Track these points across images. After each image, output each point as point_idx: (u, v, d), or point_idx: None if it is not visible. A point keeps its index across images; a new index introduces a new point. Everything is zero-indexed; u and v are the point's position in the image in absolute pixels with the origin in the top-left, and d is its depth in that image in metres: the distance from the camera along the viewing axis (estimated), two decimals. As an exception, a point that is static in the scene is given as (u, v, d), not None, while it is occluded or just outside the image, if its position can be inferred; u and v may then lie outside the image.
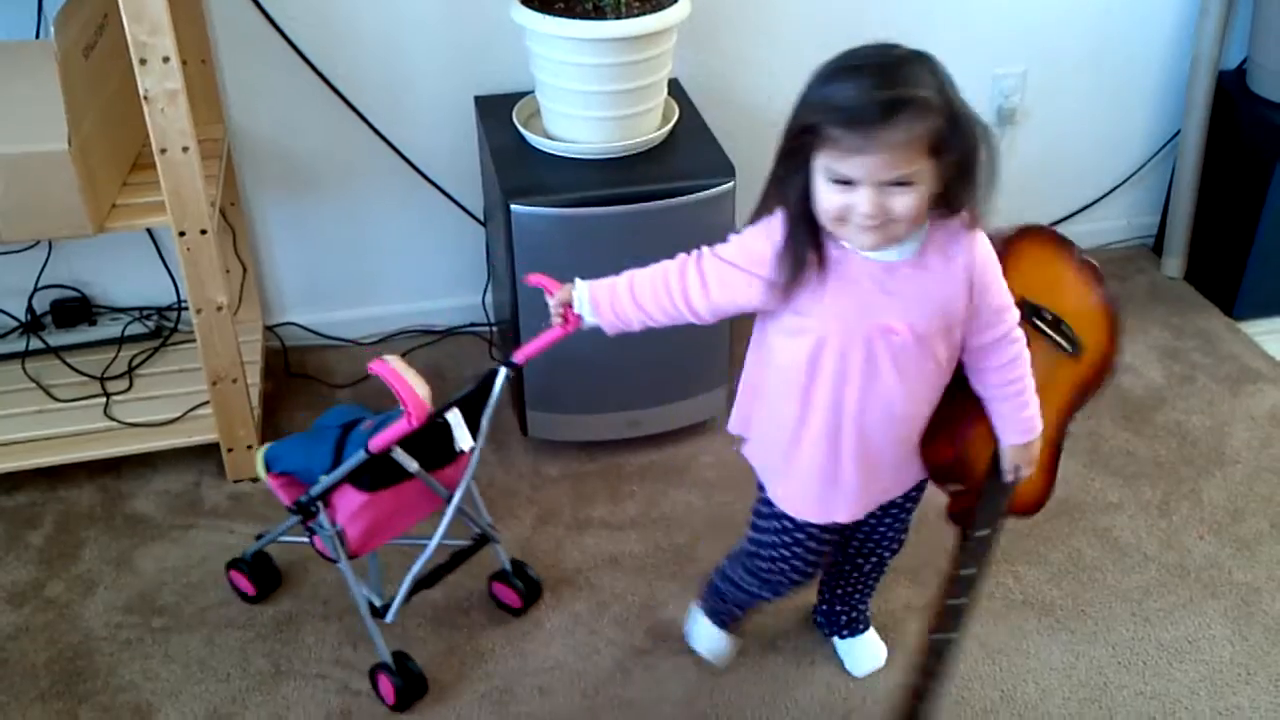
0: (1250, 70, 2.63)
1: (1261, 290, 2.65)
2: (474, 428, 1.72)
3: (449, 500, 1.74)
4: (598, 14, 1.98)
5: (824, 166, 1.28)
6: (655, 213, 2.02)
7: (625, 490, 2.20)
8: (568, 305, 1.55)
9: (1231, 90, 2.65)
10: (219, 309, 2.03)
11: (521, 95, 2.24)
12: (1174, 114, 2.75)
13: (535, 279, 1.61)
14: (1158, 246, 2.87)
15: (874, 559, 1.75)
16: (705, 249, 1.46)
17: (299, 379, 2.51)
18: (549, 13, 1.99)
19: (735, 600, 1.77)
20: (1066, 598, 1.98)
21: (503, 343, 2.49)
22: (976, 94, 2.60)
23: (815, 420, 1.45)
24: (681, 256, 1.47)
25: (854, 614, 1.87)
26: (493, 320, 2.61)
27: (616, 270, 1.55)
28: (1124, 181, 2.83)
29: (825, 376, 1.41)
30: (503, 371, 1.70)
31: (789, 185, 1.33)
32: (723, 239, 1.44)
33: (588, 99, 2.04)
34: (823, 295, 1.36)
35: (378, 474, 1.68)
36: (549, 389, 2.21)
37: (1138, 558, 2.06)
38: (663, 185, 2.03)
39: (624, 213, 2.01)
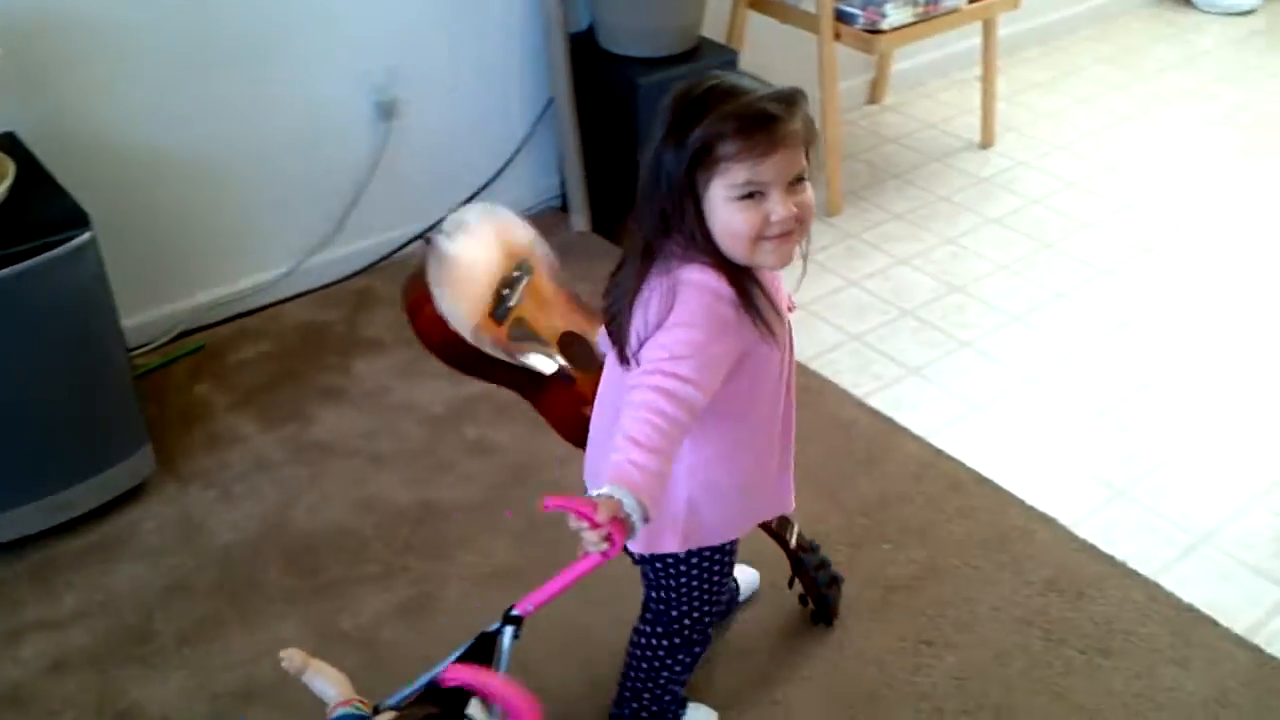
0: (598, 29, 2.83)
1: (657, 227, 2.88)
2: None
3: None
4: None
5: (726, 187, 1.24)
6: (8, 282, 1.83)
7: (61, 582, 2.00)
8: (616, 521, 1.17)
9: (588, 50, 2.84)
10: None
11: None
12: (544, 82, 2.90)
13: (555, 503, 1.19)
14: (565, 205, 3.03)
15: None
16: (662, 366, 1.24)
17: None
18: None
19: (669, 689, 1.66)
20: (530, 560, 2.04)
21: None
22: (350, 94, 2.62)
23: (778, 428, 1.46)
24: (647, 393, 1.23)
25: None
26: None
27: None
28: (518, 151, 2.96)
29: (785, 381, 1.42)
30: (508, 633, 1.35)
31: (692, 233, 1.27)
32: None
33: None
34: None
35: None
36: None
37: (588, 502, 2.17)
38: (8, 250, 1.84)
39: (-30, 290, 1.81)
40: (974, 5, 3.17)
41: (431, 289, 1.56)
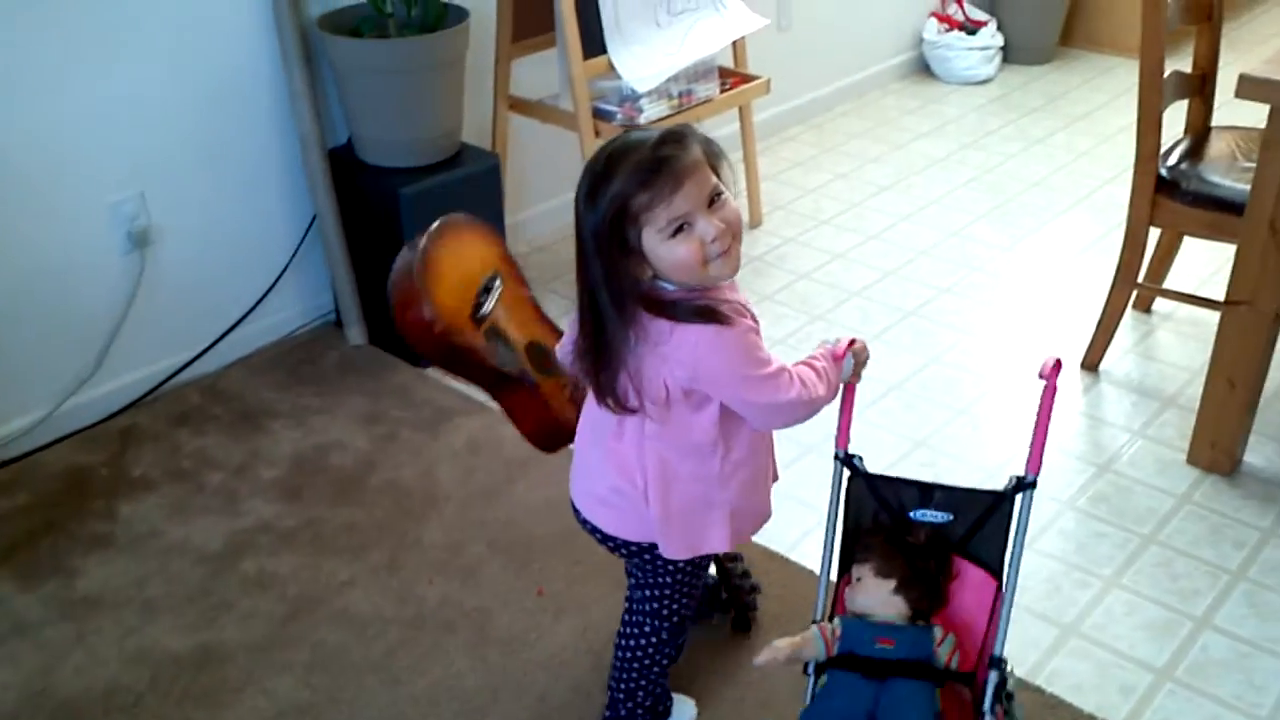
0: (356, 143, 2.81)
1: (435, 334, 2.85)
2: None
3: None
4: None
5: (656, 232, 1.40)
6: None
7: None
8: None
9: (348, 163, 2.82)
10: None
11: None
12: (306, 198, 2.86)
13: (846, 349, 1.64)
14: (339, 320, 2.97)
15: None
16: (787, 365, 1.54)
17: None
18: None
19: (659, 682, 1.80)
20: (319, 694, 1.96)
21: None
22: (99, 226, 2.53)
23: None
24: (799, 396, 1.53)
25: None
26: None
27: None
28: (284, 271, 2.90)
29: None
30: (844, 475, 1.75)
31: (649, 286, 1.46)
32: None
33: None
34: None
35: None
36: None
37: (378, 625, 2.10)
38: None
39: None
40: (727, 94, 3.29)
41: (419, 289, 1.69)
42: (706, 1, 3.21)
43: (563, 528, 2.32)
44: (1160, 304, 3.08)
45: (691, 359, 1.46)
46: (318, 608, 2.14)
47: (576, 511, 1.71)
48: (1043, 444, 1.64)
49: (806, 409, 1.55)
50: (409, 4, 2.69)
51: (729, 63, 3.40)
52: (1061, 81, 4.71)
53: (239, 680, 1.99)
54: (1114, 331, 2.80)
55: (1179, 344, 2.93)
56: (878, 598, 1.65)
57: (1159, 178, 2.58)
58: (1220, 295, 2.37)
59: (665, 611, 1.72)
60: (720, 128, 3.75)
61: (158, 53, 2.52)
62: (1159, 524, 2.33)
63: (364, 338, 2.93)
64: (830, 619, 1.70)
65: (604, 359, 1.47)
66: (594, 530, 1.68)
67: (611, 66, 3.00)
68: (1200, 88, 2.77)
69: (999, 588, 1.66)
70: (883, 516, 1.73)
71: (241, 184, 2.77)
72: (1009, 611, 1.62)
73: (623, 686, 1.79)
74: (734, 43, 3.34)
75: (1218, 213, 2.51)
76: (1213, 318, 2.42)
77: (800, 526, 2.31)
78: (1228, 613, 2.11)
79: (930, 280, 3.25)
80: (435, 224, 1.82)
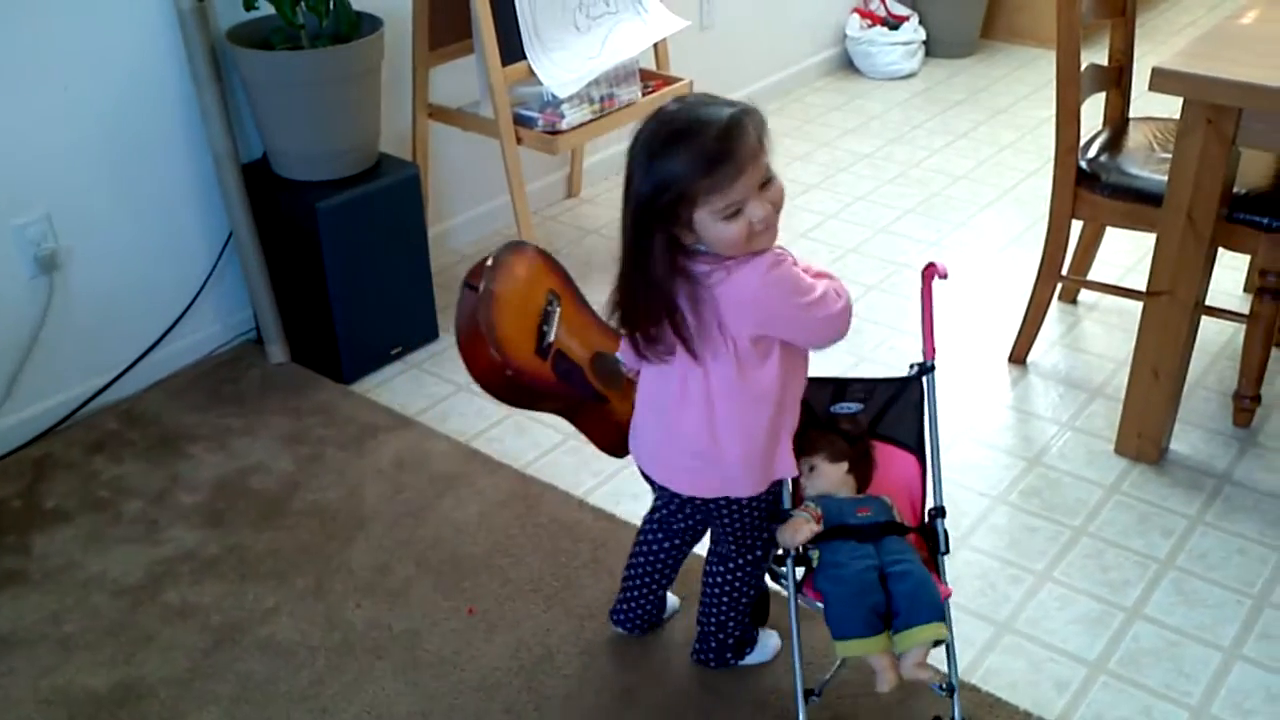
0: (272, 157, 2.75)
1: (357, 349, 2.80)
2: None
3: None
4: None
5: (711, 213, 1.48)
6: None
7: None
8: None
9: (263, 179, 2.75)
10: None
11: None
12: (222, 215, 2.79)
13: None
14: (260, 338, 2.90)
15: None
16: (831, 300, 1.62)
17: None
18: None
19: (747, 612, 1.92)
20: (244, 728, 1.91)
21: None
22: (2, 250, 2.44)
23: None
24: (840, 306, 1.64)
25: None
26: None
27: None
28: (201, 290, 2.82)
29: None
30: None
31: (694, 246, 1.55)
32: None
33: None
34: None
35: None
36: None
37: (305, 653, 2.04)
38: None
39: None
40: (650, 97, 3.26)
41: (486, 335, 1.72)
42: (626, 4, 3.19)
43: (492, 544, 2.28)
44: (1086, 294, 3.11)
45: (754, 305, 1.55)
46: (242, 637, 2.08)
47: (647, 476, 1.80)
48: (931, 334, 1.90)
49: (848, 317, 1.65)
50: (321, 14, 2.64)
51: (651, 65, 3.37)
52: (984, 74, 4.74)
53: (161, 717, 1.93)
54: (1040, 324, 2.81)
55: (1105, 334, 2.96)
56: (834, 480, 1.82)
57: (1079, 170, 2.59)
58: (1143, 285, 2.38)
59: (750, 541, 1.82)
60: (645, 130, 3.73)
61: (61, 72, 2.44)
62: (1089, 515, 2.34)
63: (285, 355, 2.87)
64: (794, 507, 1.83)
65: (641, 312, 1.57)
66: (664, 489, 1.78)
67: (532, 72, 2.97)
68: (1117, 80, 2.80)
69: (919, 459, 1.88)
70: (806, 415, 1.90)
71: (154, 203, 2.69)
72: (938, 470, 1.85)
73: (713, 620, 1.92)
74: (656, 45, 3.32)
75: (1137, 204, 2.53)
76: (1137, 307, 2.44)
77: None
78: (1157, 602, 2.13)
79: (858, 277, 3.25)
80: (490, 260, 1.83)
